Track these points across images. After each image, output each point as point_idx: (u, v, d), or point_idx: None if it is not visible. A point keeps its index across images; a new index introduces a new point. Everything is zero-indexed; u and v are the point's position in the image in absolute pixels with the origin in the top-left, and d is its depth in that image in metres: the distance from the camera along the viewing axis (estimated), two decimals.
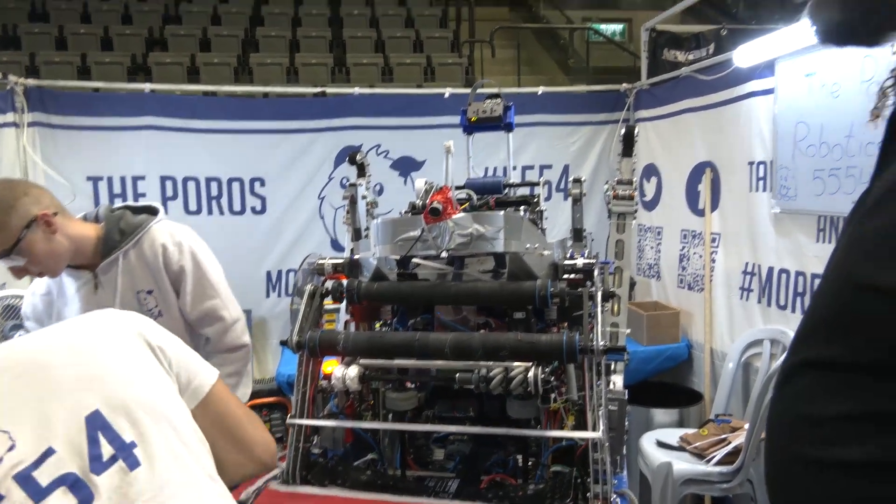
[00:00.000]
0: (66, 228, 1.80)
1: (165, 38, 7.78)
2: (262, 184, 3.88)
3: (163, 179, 3.73)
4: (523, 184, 2.25)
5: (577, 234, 1.84)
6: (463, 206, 1.82)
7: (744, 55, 3.06)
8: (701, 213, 3.60)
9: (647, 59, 4.20)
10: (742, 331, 3.28)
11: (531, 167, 4.26)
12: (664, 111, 3.97)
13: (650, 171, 4.13)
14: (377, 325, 1.97)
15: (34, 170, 3.42)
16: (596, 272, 1.62)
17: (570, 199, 1.86)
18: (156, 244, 1.93)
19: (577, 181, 1.84)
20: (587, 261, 1.68)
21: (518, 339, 1.57)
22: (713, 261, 3.51)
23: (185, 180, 3.76)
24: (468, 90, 4.51)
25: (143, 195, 3.69)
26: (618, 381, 1.89)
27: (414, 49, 8.31)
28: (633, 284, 4.13)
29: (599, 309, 1.59)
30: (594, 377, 1.55)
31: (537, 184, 2.17)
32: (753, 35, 3.23)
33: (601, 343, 1.53)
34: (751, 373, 3.22)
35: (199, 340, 2.08)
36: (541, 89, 4.18)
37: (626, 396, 1.82)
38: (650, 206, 4.14)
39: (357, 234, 1.99)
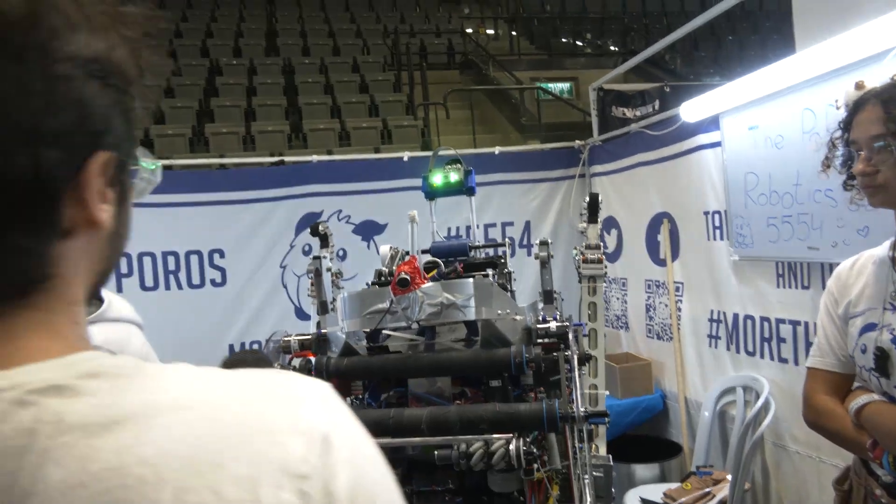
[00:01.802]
0: None
1: None
2: (222, 255, 3.80)
3: None
4: (488, 245, 2.25)
5: (548, 295, 1.82)
6: (431, 274, 1.79)
7: (690, 111, 3.18)
8: (663, 263, 3.66)
9: (596, 117, 4.34)
10: (714, 379, 3.29)
11: (493, 224, 4.28)
12: (618, 165, 4.07)
13: (610, 223, 4.20)
14: (347, 401, 1.89)
15: None
16: (570, 336, 1.60)
17: (535, 257, 1.85)
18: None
19: (545, 243, 1.84)
20: (560, 324, 1.66)
21: (497, 410, 1.52)
22: (679, 309, 3.55)
23: (140, 256, 3.65)
24: (427, 153, 4.57)
25: None
26: (601, 445, 1.84)
27: (370, 113, 8.45)
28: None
29: (577, 373, 1.55)
30: (576, 444, 1.51)
31: (502, 244, 2.16)
32: (694, 91, 3.39)
33: (582, 409, 1.49)
34: (727, 421, 3.21)
35: None
36: (497, 149, 4.26)
37: (611, 461, 1.77)
38: (613, 257, 4.19)
39: (323, 308, 1.93)
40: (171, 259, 3.70)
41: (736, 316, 3.12)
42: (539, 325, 1.70)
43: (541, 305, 1.84)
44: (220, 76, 8.96)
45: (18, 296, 0.43)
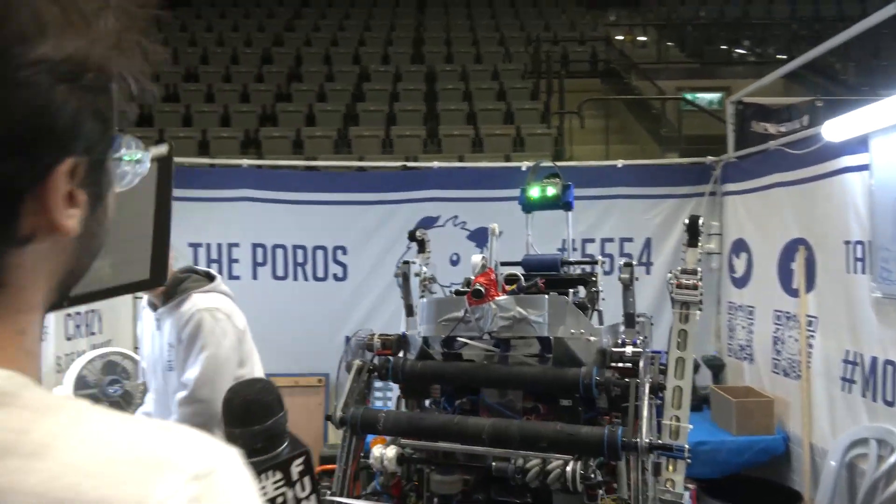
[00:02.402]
0: None
1: (276, 114, 8.46)
2: (345, 252, 4.05)
3: (254, 247, 3.99)
4: (581, 262, 2.21)
5: (629, 319, 1.77)
6: (511, 288, 1.81)
7: (833, 130, 2.89)
8: (795, 294, 3.35)
9: (733, 132, 4.06)
10: (845, 426, 2.96)
11: (611, 239, 4.17)
12: (753, 185, 3.79)
13: (739, 246, 3.92)
14: (427, 403, 1.97)
15: None
16: (641, 363, 1.54)
17: (618, 279, 1.79)
18: (184, 309, 2.09)
19: (628, 265, 1.79)
20: (636, 350, 1.60)
21: (557, 430, 1.51)
22: (810, 346, 3.23)
23: (275, 247, 4.00)
24: (550, 164, 4.56)
25: (237, 261, 3.96)
26: (677, 480, 1.76)
27: (504, 120, 8.52)
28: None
29: (645, 402, 1.50)
30: (640, 476, 1.46)
31: (596, 262, 2.12)
32: (853, 106, 3.04)
33: (647, 439, 1.44)
34: (856, 475, 2.88)
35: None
36: (620, 162, 4.14)
37: (686, 500, 1.68)
38: (740, 283, 3.91)
39: (409, 311, 2.02)
40: (300, 252, 4.02)
41: (875, 360, 2.78)
42: (614, 349, 1.66)
43: (622, 328, 1.78)
44: (368, 82, 9.50)
45: None
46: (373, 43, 10.89)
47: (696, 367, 3.90)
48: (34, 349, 0.46)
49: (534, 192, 2.22)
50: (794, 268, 3.37)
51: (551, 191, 2.18)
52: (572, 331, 1.64)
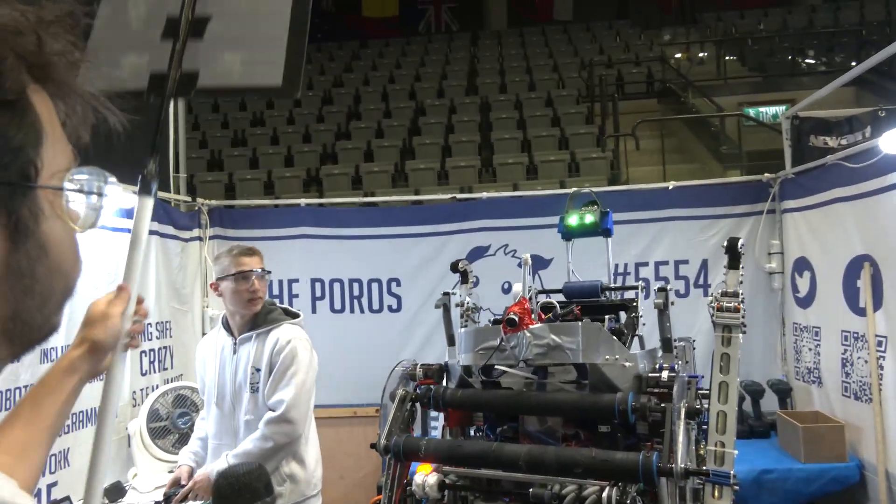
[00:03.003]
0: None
1: (336, 152, 8.81)
2: (399, 284, 4.17)
3: (313, 281, 4.17)
4: (621, 287, 2.22)
5: (667, 343, 1.77)
6: (548, 316, 1.85)
7: (890, 141, 2.79)
8: (862, 313, 3.20)
9: (790, 147, 3.95)
10: None
11: (665, 262, 4.10)
12: (812, 201, 3.66)
13: (802, 265, 3.78)
14: (471, 431, 2.01)
15: (211, 275, 4.02)
16: (675, 387, 1.54)
17: (653, 305, 1.80)
18: (277, 336, 2.26)
19: (663, 290, 1.80)
20: (672, 374, 1.60)
21: (592, 456, 1.53)
22: (881, 367, 3.07)
23: (332, 282, 4.17)
24: (608, 188, 4.56)
25: (297, 296, 4.15)
26: None
27: (559, 146, 8.55)
28: (762, 392, 3.74)
29: (681, 427, 1.50)
30: (678, 503, 1.45)
31: (636, 287, 2.12)
32: None
33: (682, 464, 1.44)
34: None
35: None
36: (672, 184, 4.10)
37: None
38: (804, 303, 3.76)
39: (451, 340, 2.09)
40: (356, 286, 4.17)
41: None
42: (650, 374, 1.67)
43: (660, 353, 1.78)
44: (424, 116, 9.76)
45: None
46: (428, 78, 11.20)
47: (762, 392, 3.76)
48: None
49: (572, 220, 2.26)
50: (859, 285, 3.22)
51: (589, 218, 2.21)
52: (606, 357, 1.65)
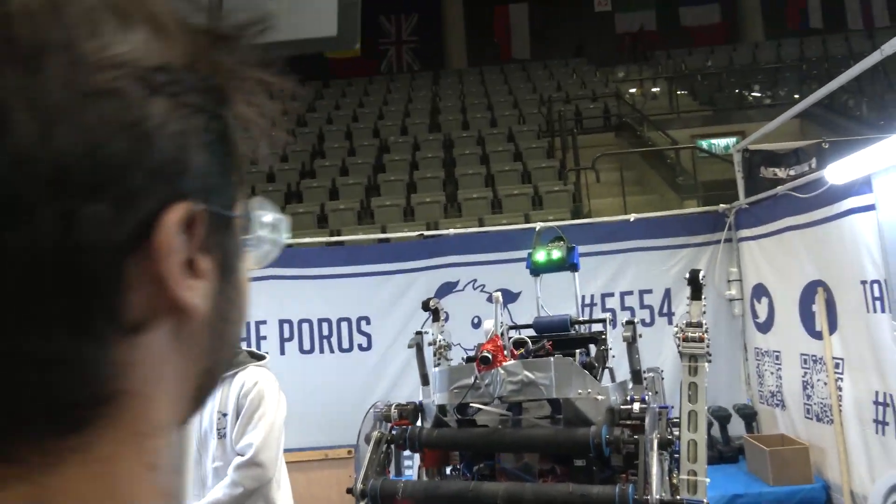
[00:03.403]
0: None
1: (301, 190, 8.79)
2: (368, 322, 4.16)
3: (281, 322, 4.12)
4: (590, 321, 2.27)
5: (636, 375, 1.81)
6: (520, 352, 1.87)
7: (836, 172, 2.95)
8: (819, 336, 3.32)
9: (742, 179, 4.13)
10: (883, 470, 2.87)
11: (630, 293, 4.20)
12: (766, 230, 3.82)
13: (760, 291, 3.91)
14: (447, 470, 2.01)
15: None
16: (647, 419, 1.58)
17: (622, 338, 1.85)
18: (244, 380, 2.24)
19: (630, 323, 1.85)
20: (643, 406, 1.64)
21: (570, 492, 1.55)
22: (840, 389, 3.17)
23: (301, 322, 4.13)
24: (570, 221, 4.65)
25: (265, 337, 4.09)
26: None
27: (522, 180, 8.71)
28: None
29: (654, 458, 1.53)
30: None
31: (603, 320, 2.17)
32: (862, 145, 3.08)
33: (657, 496, 1.47)
34: None
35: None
36: (633, 216, 4.22)
37: None
38: (764, 328, 3.88)
39: (424, 380, 2.09)
40: (325, 325, 4.14)
41: None
42: (622, 407, 1.70)
43: (630, 385, 1.82)
44: (388, 153, 9.85)
45: (54, 437, 0.28)
46: (391, 116, 11.34)
47: (729, 418, 3.83)
48: (171, 489, 0.33)
49: (540, 255, 2.31)
50: (815, 310, 3.35)
51: (556, 254, 2.26)
52: (579, 391, 1.68)
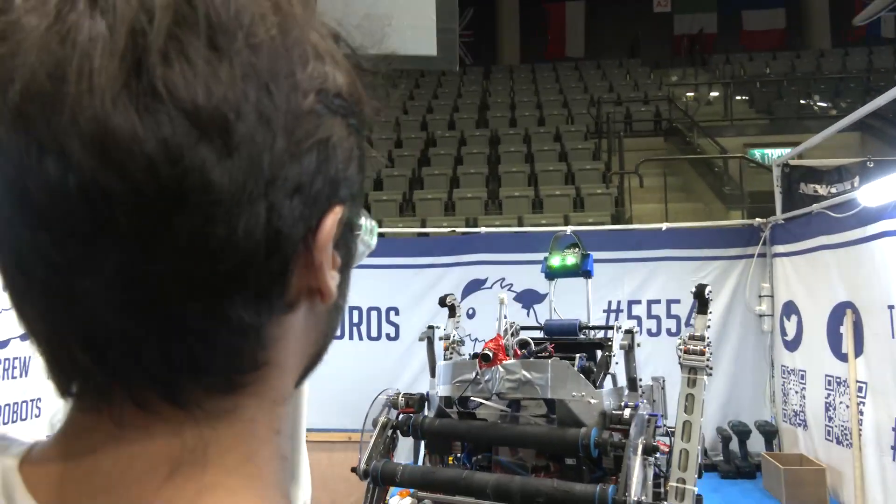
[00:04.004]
0: None
1: None
2: (397, 313, 4.30)
3: None
4: (599, 327, 2.33)
5: (632, 383, 1.88)
6: (523, 352, 1.96)
7: (868, 194, 2.91)
8: (844, 359, 3.28)
9: (780, 194, 4.08)
10: None
11: (657, 301, 4.20)
12: (800, 247, 3.77)
13: (790, 308, 3.87)
14: (450, 459, 2.12)
15: None
16: (633, 425, 1.65)
17: (619, 346, 1.91)
18: None
19: (629, 332, 1.91)
20: (633, 412, 1.71)
21: (554, 487, 1.64)
22: (861, 413, 3.14)
23: None
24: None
25: None
26: None
27: (565, 181, 8.70)
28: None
29: (637, 462, 1.60)
30: None
31: (612, 327, 2.24)
32: None
33: (635, 497, 1.54)
34: None
35: None
36: (664, 225, 4.22)
37: None
38: (792, 346, 3.84)
39: (433, 372, 2.20)
40: (355, 313, 4.30)
41: None
42: (614, 412, 1.78)
43: (626, 392, 1.89)
44: (434, 147, 9.98)
45: (220, 395, 0.34)
46: (440, 110, 11.47)
47: (749, 433, 3.82)
48: (286, 452, 0.38)
49: (555, 261, 2.38)
50: (842, 331, 3.31)
51: (571, 260, 2.34)
52: (573, 393, 1.77)
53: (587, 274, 2.39)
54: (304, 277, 0.35)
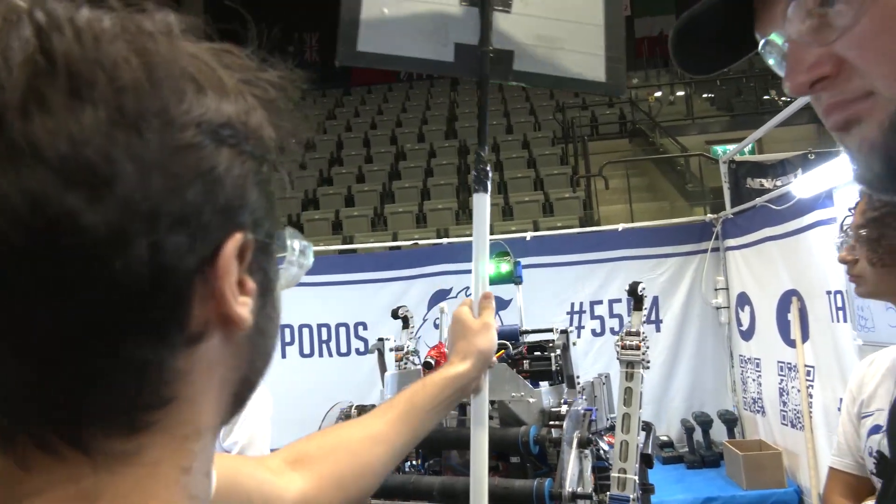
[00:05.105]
0: None
1: (318, 197, 9.08)
2: (365, 327, 4.37)
3: (281, 327, 4.36)
4: (538, 331, 2.41)
5: (570, 380, 1.97)
6: (499, 354, 2.05)
7: (802, 186, 3.05)
8: (793, 344, 3.41)
9: (728, 189, 4.23)
10: None
11: (618, 300, 4.32)
12: (748, 240, 3.91)
13: (743, 299, 4.01)
14: (407, 465, 2.19)
15: None
16: (567, 419, 1.74)
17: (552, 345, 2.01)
18: None
19: (564, 332, 2.01)
20: (568, 408, 1.80)
21: (495, 484, 1.72)
22: (810, 396, 3.26)
23: (301, 327, 4.36)
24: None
25: None
26: None
27: (534, 187, 8.85)
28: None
29: (572, 455, 1.69)
30: None
31: (551, 330, 2.33)
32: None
33: (569, 489, 1.63)
34: None
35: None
36: (621, 226, 4.35)
37: None
38: (747, 336, 3.97)
39: (384, 383, 2.28)
40: (324, 330, 4.36)
41: None
42: (552, 409, 1.87)
43: (565, 389, 1.98)
44: (404, 160, 10.09)
45: (123, 437, 0.33)
46: (409, 123, 11.59)
47: (711, 423, 3.93)
48: (199, 492, 0.37)
49: (489, 269, 2.47)
50: (790, 318, 3.44)
51: (505, 267, 2.43)
52: (513, 394, 1.85)
53: (518, 280, 2.48)
54: (209, 307, 0.35)
